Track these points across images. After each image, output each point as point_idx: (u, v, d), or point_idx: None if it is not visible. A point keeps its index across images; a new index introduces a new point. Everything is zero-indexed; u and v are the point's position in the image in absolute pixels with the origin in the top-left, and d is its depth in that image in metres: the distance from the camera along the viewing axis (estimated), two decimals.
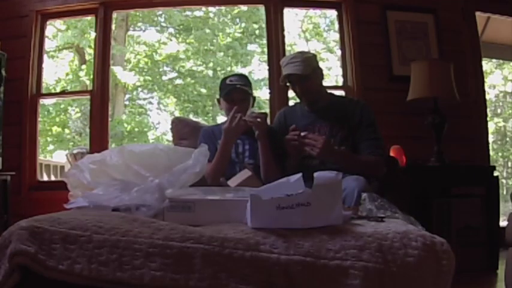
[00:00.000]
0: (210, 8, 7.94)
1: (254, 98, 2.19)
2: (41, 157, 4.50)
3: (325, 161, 1.98)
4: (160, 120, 8.74)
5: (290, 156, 2.05)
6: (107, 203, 1.37)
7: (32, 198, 3.07)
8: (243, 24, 8.55)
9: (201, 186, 1.56)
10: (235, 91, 2.11)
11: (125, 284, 1.05)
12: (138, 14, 7.95)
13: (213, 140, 2.14)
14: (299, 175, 1.26)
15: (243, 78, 2.21)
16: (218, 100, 2.26)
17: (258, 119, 2.02)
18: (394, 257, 1.09)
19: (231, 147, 2.07)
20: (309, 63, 2.12)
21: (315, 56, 2.23)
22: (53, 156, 7.50)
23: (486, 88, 3.71)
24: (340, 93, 3.31)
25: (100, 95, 3.24)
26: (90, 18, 4.48)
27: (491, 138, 6.82)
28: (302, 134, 1.94)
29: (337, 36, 3.70)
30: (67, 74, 7.98)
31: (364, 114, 2.13)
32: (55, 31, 7.48)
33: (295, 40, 8.24)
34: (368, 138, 2.09)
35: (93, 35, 3.62)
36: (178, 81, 8.45)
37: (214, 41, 8.44)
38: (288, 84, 2.23)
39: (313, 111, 2.19)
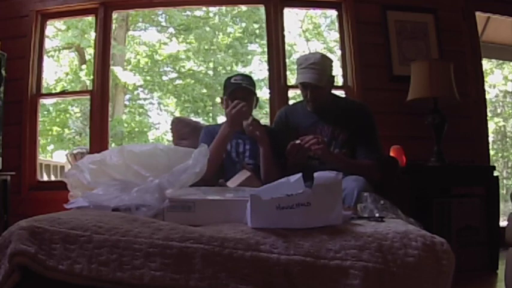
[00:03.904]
0: (211, 8, 7.94)
1: (257, 98, 2.18)
2: (41, 157, 4.50)
3: (325, 161, 1.99)
4: (160, 120, 8.75)
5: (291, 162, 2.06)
6: (107, 203, 1.37)
7: (32, 198, 3.07)
8: (243, 24, 8.55)
9: (201, 186, 1.56)
10: (240, 89, 2.10)
11: (125, 284, 1.05)
12: (138, 14, 7.95)
13: (213, 138, 2.13)
14: (299, 175, 1.26)
15: (248, 78, 2.21)
16: (222, 99, 2.24)
17: (251, 127, 2.02)
18: (394, 257, 1.09)
19: (231, 134, 2.05)
20: (326, 72, 2.12)
21: (331, 61, 2.19)
22: (53, 156, 7.50)
23: (486, 88, 3.71)
24: (340, 93, 3.32)
25: (100, 95, 3.24)
26: (90, 18, 4.48)
27: (491, 138, 6.82)
28: (297, 142, 1.94)
29: (337, 36, 3.70)
30: (67, 74, 7.99)
31: (365, 117, 2.14)
32: (55, 31, 7.48)
33: (295, 40, 8.24)
34: (365, 143, 2.09)
35: (93, 35, 3.62)
36: (178, 81, 8.45)
37: (215, 40, 8.45)
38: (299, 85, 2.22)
39: (316, 112, 2.19)
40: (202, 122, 6.31)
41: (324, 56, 2.16)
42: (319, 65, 2.09)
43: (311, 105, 2.20)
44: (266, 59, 3.42)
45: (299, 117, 2.22)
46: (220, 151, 2.05)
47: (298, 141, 1.94)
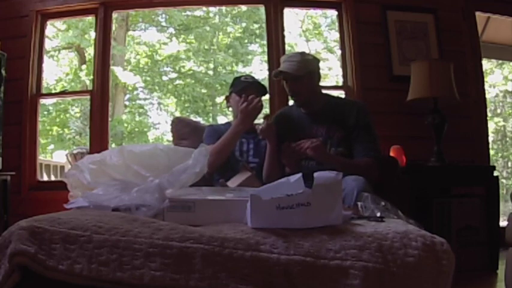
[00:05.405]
0: (211, 8, 7.94)
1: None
2: (41, 157, 4.50)
3: (321, 162, 1.99)
4: (160, 120, 8.75)
5: (288, 167, 2.08)
6: (107, 203, 1.37)
7: (32, 198, 3.07)
8: (243, 24, 8.55)
9: (201, 186, 1.56)
10: (252, 86, 2.13)
11: (125, 284, 1.05)
12: (138, 14, 7.95)
13: (219, 138, 2.14)
14: (299, 175, 1.26)
15: (257, 80, 2.24)
16: (227, 97, 2.25)
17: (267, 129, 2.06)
18: (394, 257, 1.09)
19: (243, 131, 2.07)
20: (306, 65, 2.12)
21: (316, 60, 2.22)
22: (53, 156, 7.50)
23: (486, 88, 3.71)
24: (340, 93, 3.32)
25: (100, 95, 3.24)
26: (90, 18, 4.48)
27: (491, 138, 6.82)
28: (293, 145, 1.95)
29: (337, 36, 3.70)
30: (67, 74, 7.99)
31: (360, 115, 2.13)
32: (55, 31, 7.48)
33: (295, 40, 8.25)
34: (362, 141, 2.09)
35: (93, 35, 3.62)
36: (178, 82, 8.45)
37: (215, 40, 8.45)
38: (283, 82, 2.23)
39: (310, 113, 2.20)
40: (202, 122, 6.32)
41: (305, 53, 2.21)
42: (297, 57, 2.13)
43: (296, 100, 2.21)
44: (266, 59, 3.42)
45: (294, 119, 2.23)
46: (230, 147, 2.07)
47: (293, 145, 1.96)
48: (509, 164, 8.65)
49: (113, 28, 3.66)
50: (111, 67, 4.13)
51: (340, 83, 3.32)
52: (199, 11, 8.19)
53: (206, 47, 8.44)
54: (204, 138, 2.21)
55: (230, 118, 2.54)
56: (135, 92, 8.53)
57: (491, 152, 5.69)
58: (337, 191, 1.23)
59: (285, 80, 2.18)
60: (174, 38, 8.39)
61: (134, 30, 8.43)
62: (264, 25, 3.57)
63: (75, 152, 3.44)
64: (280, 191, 1.19)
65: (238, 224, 1.22)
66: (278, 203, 1.16)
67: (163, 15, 8.30)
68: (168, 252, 1.08)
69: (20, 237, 1.07)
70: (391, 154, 2.83)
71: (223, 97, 3.59)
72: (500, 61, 7.28)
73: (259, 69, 8.16)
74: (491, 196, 2.71)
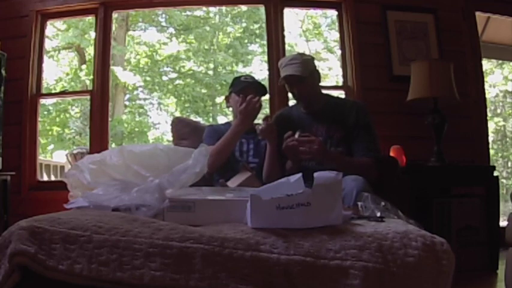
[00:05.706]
0: (211, 8, 7.94)
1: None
2: (41, 157, 4.50)
3: (322, 162, 1.99)
4: (160, 120, 8.75)
5: (289, 160, 2.07)
6: (107, 203, 1.37)
7: (32, 198, 3.07)
8: (243, 24, 8.55)
9: (201, 186, 1.56)
10: (252, 86, 2.14)
11: (125, 284, 1.05)
12: (138, 14, 7.94)
13: (219, 139, 2.14)
14: (299, 175, 1.26)
15: (258, 81, 2.24)
16: (226, 97, 2.27)
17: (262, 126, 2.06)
18: (394, 257, 1.09)
19: (242, 131, 2.07)
20: (307, 65, 2.13)
21: (313, 58, 2.24)
22: (53, 156, 7.49)
23: (486, 88, 3.72)
24: (340, 93, 3.32)
25: (100, 95, 3.24)
26: (90, 18, 4.48)
27: (491, 138, 6.82)
28: (296, 135, 1.94)
29: (337, 36, 3.70)
30: (67, 74, 7.99)
31: (360, 115, 2.13)
32: (55, 31, 7.48)
33: (295, 40, 8.25)
34: (362, 141, 2.09)
35: (93, 35, 3.62)
36: (178, 81, 8.45)
37: (215, 40, 8.45)
38: (285, 85, 2.23)
39: (310, 113, 2.20)
40: (202, 122, 6.32)
41: (302, 53, 2.23)
42: (297, 59, 2.13)
43: (302, 101, 2.21)
44: (266, 59, 3.42)
45: (294, 120, 2.23)
46: (230, 148, 2.08)
47: (296, 135, 1.95)
48: (509, 164, 8.65)
49: (113, 28, 3.66)
50: (111, 67, 4.13)
51: (340, 83, 3.32)
52: (199, 11, 8.19)
53: (206, 47, 8.44)
54: (204, 138, 2.22)
55: (230, 118, 2.55)
56: (135, 92, 8.53)
57: (491, 152, 5.69)
58: (337, 191, 1.23)
59: (290, 83, 2.17)
60: (174, 38, 8.39)
61: (134, 30, 8.43)
62: (264, 25, 3.57)
63: (75, 152, 3.43)
64: (280, 191, 1.19)
65: (238, 224, 1.22)
66: (278, 203, 1.16)
67: (163, 15, 8.30)
68: (168, 252, 1.08)
69: (20, 237, 1.07)
70: (391, 154, 2.83)
71: (223, 97, 3.62)
72: (500, 61, 7.28)
73: (259, 69, 8.15)
74: (491, 196, 2.71)
